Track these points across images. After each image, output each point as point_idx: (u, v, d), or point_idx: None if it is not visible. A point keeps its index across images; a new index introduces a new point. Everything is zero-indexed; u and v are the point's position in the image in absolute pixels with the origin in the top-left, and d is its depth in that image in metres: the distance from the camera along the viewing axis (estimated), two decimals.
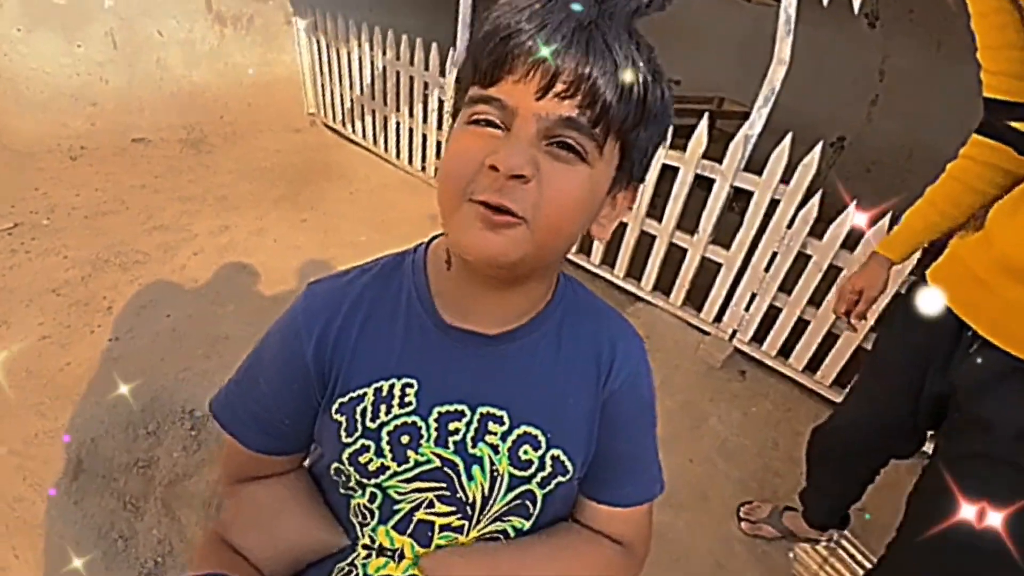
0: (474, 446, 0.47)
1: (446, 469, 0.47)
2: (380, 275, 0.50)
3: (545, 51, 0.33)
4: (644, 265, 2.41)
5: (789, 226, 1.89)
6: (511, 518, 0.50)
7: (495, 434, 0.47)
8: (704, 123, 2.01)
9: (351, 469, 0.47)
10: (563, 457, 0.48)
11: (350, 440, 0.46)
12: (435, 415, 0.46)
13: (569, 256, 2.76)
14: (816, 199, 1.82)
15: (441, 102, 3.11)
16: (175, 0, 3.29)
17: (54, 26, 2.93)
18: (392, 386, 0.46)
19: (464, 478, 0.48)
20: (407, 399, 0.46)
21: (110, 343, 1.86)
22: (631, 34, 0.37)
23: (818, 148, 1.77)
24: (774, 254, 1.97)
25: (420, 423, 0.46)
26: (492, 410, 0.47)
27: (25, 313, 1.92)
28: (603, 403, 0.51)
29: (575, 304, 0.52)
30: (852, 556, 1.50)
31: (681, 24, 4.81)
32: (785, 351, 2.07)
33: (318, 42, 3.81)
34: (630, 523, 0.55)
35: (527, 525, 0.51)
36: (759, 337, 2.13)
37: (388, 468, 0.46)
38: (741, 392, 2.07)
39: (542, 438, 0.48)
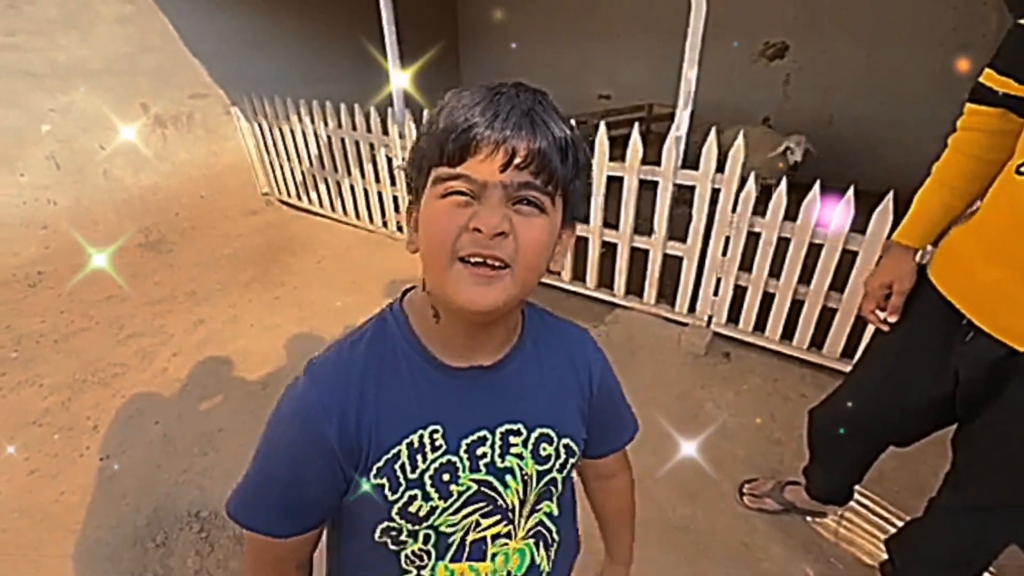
0: (502, 461, 0.54)
1: (484, 489, 0.54)
2: (373, 341, 0.53)
3: (503, 135, 0.42)
4: (612, 273, 2.51)
5: (734, 210, 2.02)
6: (542, 505, 0.59)
7: (517, 444, 0.55)
8: (636, 133, 2.16)
9: (402, 522, 0.51)
10: (570, 443, 0.59)
11: (396, 496, 0.50)
12: (464, 447, 0.52)
13: (544, 280, 2.85)
14: (751, 181, 1.95)
15: (389, 159, 3.22)
16: (113, 112, 3.36)
17: None
18: (421, 436, 0.51)
19: (501, 489, 0.54)
20: (437, 443, 0.51)
21: (102, 462, 1.82)
22: (557, 112, 0.46)
23: (740, 136, 1.92)
24: (727, 238, 2.09)
25: (454, 458, 0.52)
26: (509, 426, 0.54)
27: (8, 451, 1.87)
28: (593, 398, 0.63)
29: (542, 325, 0.62)
30: (873, 512, 1.56)
31: (604, 40, 5.13)
32: (760, 325, 2.17)
33: (260, 125, 3.92)
34: (623, 454, 0.74)
35: (554, 506, 0.61)
36: (733, 317, 2.23)
37: (437, 507, 0.52)
38: (729, 373, 2.15)
39: (553, 433, 0.57)
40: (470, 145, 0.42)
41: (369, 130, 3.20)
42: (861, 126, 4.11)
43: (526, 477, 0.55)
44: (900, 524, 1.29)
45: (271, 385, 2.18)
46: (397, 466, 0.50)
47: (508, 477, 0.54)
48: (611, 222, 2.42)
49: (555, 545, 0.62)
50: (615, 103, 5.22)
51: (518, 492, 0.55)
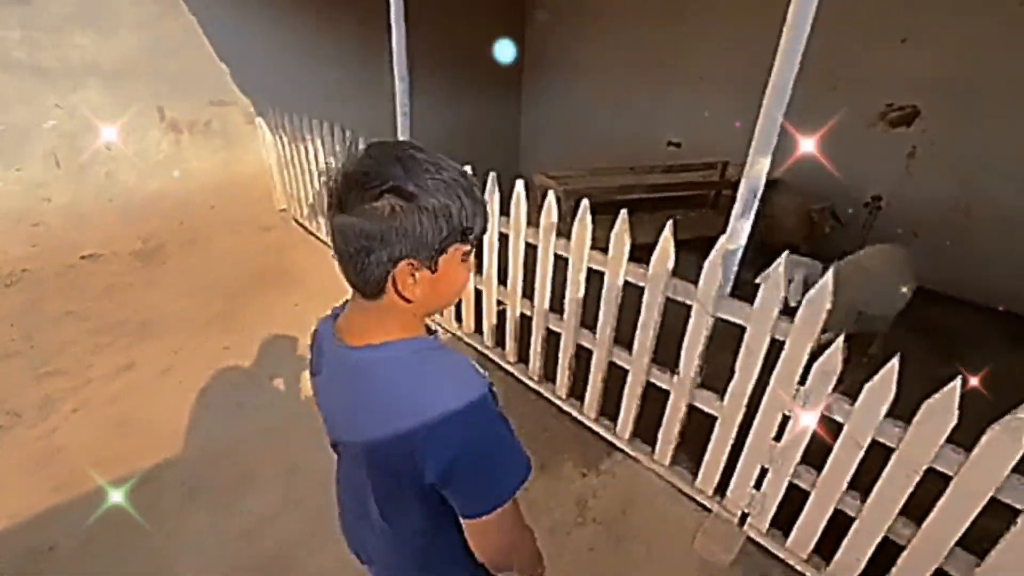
0: None
1: None
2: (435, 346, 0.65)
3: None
4: (618, 404, 1.83)
5: (803, 381, 1.29)
6: None
7: None
8: (668, 231, 1.48)
9: None
10: None
11: None
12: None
13: (534, 385, 2.23)
14: (840, 343, 1.22)
15: None
16: (124, 114, 3.17)
17: None
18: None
19: None
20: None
21: None
22: None
23: (830, 273, 1.20)
24: (786, 417, 1.36)
25: None
26: None
27: None
28: None
29: None
30: None
31: (681, 83, 4.42)
32: (824, 549, 1.40)
33: (281, 139, 3.63)
34: None
35: None
36: (783, 524, 1.48)
37: None
38: None
39: None
40: (484, 229, 0.61)
41: None
42: (1011, 223, 3.09)
43: None
44: None
45: (139, 491, 1.72)
46: None
47: None
48: (624, 339, 1.76)
49: None
50: (685, 153, 4.48)
51: None
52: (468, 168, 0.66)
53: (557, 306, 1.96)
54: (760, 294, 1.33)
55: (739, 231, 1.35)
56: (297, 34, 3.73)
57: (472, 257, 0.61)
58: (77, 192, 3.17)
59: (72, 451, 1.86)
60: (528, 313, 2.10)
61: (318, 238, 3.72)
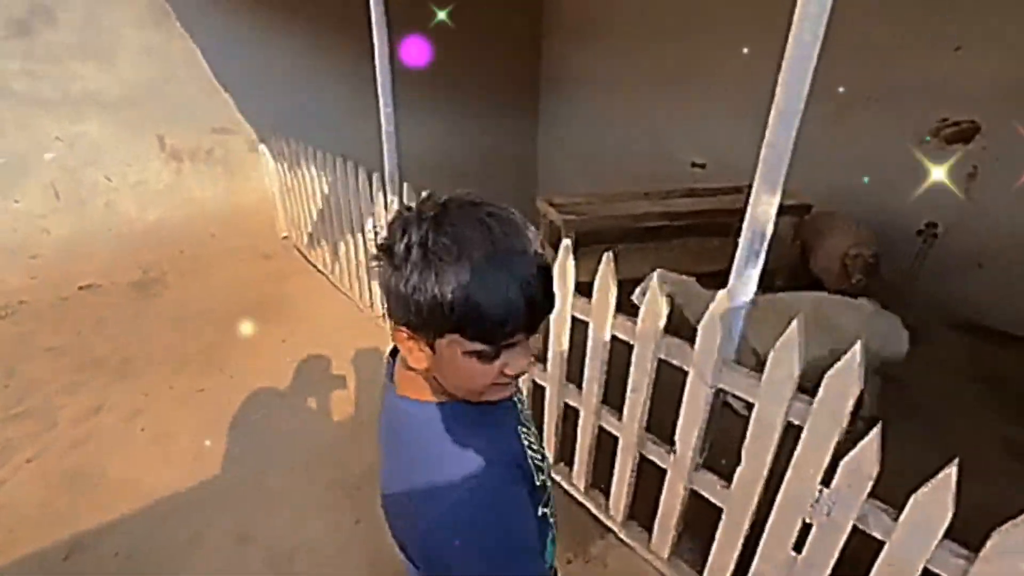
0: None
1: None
2: (463, 424, 0.58)
3: (533, 321, 0.51)
4: (611, 474, 1.56)
5: (827, 482, 1.00)
6: None
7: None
8: (655, 280, 1.22)
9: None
10: None
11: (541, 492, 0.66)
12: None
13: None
14: (875, 436, 0.92)
15: (376, 233, 2.58)
16: (124, 144, 3.17)
17: None
18: (526, 455, 0.65)
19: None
20: (527, 450, 0.65)
21: None
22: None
23: (858, 347, 0.92)
24: (807, 524, 1.06)
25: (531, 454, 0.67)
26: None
27: None
28: None
29: None
30: None
31: (705, 99, 4.14)
32: None
33: (282, 166, 3.57)
34: None
35: None
36: None
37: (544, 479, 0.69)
38: None
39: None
40: (508, 332, 0.49)
41: (358, 189, 2.61)
42: None
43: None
44: None
45: (73, 559, 1.56)
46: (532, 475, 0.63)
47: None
48: (616, 400, 1.49)
49: None
50: (711, 175, 4.16)
51: None
52: (533, 266, 0.48)
53: (545, 356, 1.72)
54: (769, 364, 1.05)
55: (744, 283, 1.08)
56: (302, 59, 3.69)
57: (503, 359, 0.52)
58: (77, 223, 3.17)
59: (15, 508, 1.73)
60: None
61: (316, 267, 3.61)
